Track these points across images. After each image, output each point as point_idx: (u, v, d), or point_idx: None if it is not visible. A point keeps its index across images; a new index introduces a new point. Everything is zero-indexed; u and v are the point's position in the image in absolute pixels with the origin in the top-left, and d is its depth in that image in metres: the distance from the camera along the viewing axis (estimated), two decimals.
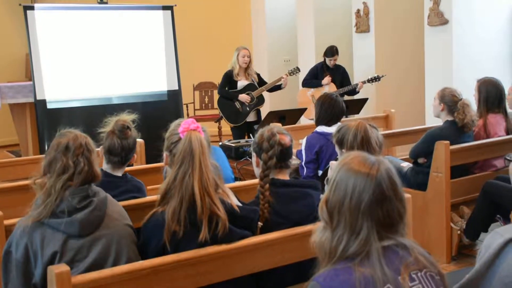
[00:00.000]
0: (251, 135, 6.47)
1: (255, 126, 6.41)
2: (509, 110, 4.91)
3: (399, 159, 4.99)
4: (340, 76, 7.27)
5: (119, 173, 3.05)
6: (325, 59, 7.30)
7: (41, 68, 7.08)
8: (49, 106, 7.09)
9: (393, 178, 1.67)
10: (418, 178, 4.50)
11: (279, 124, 5.09)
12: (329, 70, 7.27)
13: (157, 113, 7.38)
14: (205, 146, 2.42)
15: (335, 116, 4.23)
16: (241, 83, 6.74)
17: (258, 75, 6.92)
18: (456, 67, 6.40)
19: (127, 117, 3.09)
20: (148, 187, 3.27)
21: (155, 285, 2.20)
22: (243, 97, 6.67)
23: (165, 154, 2.61)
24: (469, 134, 4.55)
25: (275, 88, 6.93)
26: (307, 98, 7.27)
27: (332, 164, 3.12)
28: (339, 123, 4.06)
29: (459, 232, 4.40)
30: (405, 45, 7.71)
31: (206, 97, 9.73)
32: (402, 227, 1.68)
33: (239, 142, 5.51)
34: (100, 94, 7.44)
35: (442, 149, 4.26)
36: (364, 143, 3.04)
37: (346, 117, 5.98)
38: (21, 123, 7.52)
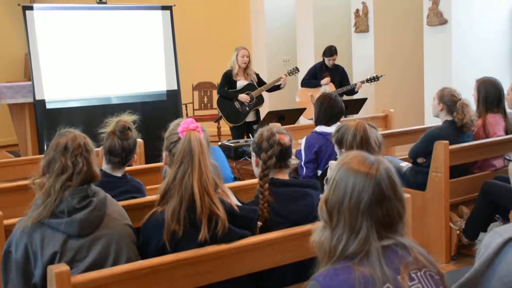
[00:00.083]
0: (250, 135, 6.47)
1: (254, 126, 6.41)
2: (508, 110, 4.91)
3: (398, 159, 5.00)
4: (339, 76, 7.28)
5: (118, 174, 3.05)
6: (324, 59, 7.30)
7: (40, 68, 7.07)
8: (48, 106, 7.08)
9: (392, 178, 1.67)
10: (417, 178, 4.50)
11: (278, 124, 5.09)
12: (328, 70, 7.28)
13: (156, 113, 7.37)
14: (205, 145, 2.42)
15: (334, 116, 4.24)
16: (241, 83, 6.74)
17: (257, 75, 6.92)
18: (455, 67, 6.41)
19: (128, 118, 3.09)
20: (148, 187, 3.27)
21: (155, 284, 2.20)
22: (243, 97, 6.67)
23: (164, 154, 2.61)
24: (468, 134, 4.56)
25: (274, 88, 6.94)
26: (307, 98, 7.27)
27: (332, 164, 3.12)
28: (338, 123, 4.06)
29: (458, 232, 4.40)
30: (404, 45, 7.72)
31: (205, 97, 9.73)
32: (401, 226, 1.68)
33: (238, 142, 5.51)
34: (99, 94, 7.44)
35: (441, 149, 4.26)
36: (364, 143, 3.05)
37: (345, 117, 5.99)
38: (20, 123, 7.52)
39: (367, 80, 6.89)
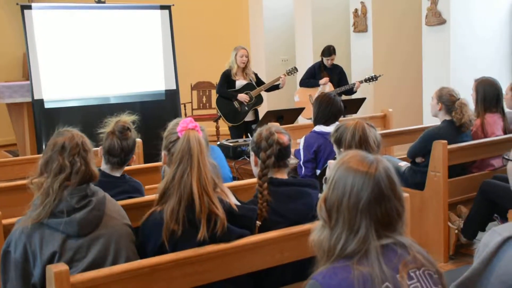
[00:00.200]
0: (249, 134, 6.47)
1: (253, 126, 6.42)
2: (506, 110, 4.92)
3: (397, 158, 5.00)
4: (338, 76, 7.29)
5: (117, 174, 3.04)
6: (322, 59, 7.31)
7: (38, 68, 7.06)
8: (46, 105, 7.07)
9: (391, 177, 1.67)
10: (416, 178, 4.50)
11: (277, 124, 5.09)
12: (327, 70, 7.29)
13: (155, 112, 7.37)
14: (203, 145, 2.42)
15: (333, 115, 4.24)
16: (239, 82, 6.75)
17: (256, 74, 6.93)
18: (453, 66, 6.41)
19: (127, 118, 3.09)
20: (146, 187, 3.27)
21: (154, 284, 2.20)
22: (242, 96, 6.67)
23: (163, 153, 2.61)
24: (467, 134, 4.56)
25: (273, 87, 6.94)
26: (307, 97, 7.28)
27: (330, 163, 3.12)
28: (337, 123, 4.07)
29: (456, 231, 4.41)
30: (402, 45, 7.72)
31: (204, 96, 9.73)
32: (400, 225, 1.68)
33: (237, 141, 5.51)
34: (97, 93, 7.43)
35: (439, 148, 4.26)
36: (362, 142, 3.05)
37: (344, 116, 5.99)
38: (19, 123, 7.51)
39: (366, 80, 6.90)
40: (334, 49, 7.23)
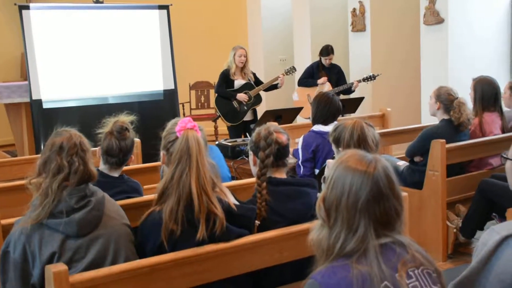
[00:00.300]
0: (247, 134, 6.47)
1: (252, 125, 6.42)
2: (504, 109, 4.92)
3: (395, 157, 5.01)
4: (336, 75, 7.29)
5: (115, 174, 3.04)
6: (320, 59, 7.31)
7: (36, 68, 7.06)
8: (44, 106, 7.07)
9: (390, 176, 1.67)
10: (414, 177, 4.51)
11: (276, 123, 5.10)
12: (325, 69, 7.29)
13: (153, 112, 7.37)
14: (202, 145, 2.42)
15: (332, 115, 4.24)
16: (238, 82, 6.75)
17: (254, 74, 6.93)
18: (451, 65, 6.42)
19: (126, 118, 3.09)
20: (145, 187, 3.27)
21: (153, 284, 2.20)
22: (241, 96, 6.68)
23: (162, 153, 2.62)
24: (465, 133, 4.56)
25: (272, 87, 6.94)
26: (305, 97, 7.28)
27: (329, 162, 3.12)
28: (335, 122, 4.07)
29: (455, 230, 4.42)
30: (401, 44, 7.72)
31: (202, 96, 9.72)
32: (399, 224, 1.68)
33: (235, 141, 5.51)
34: (96, 93, 7.43)
35: (438, 147, 4.27)
36: (361, 142, 3.05)
37: (342, 116, 6.00)
38: (17, 123, 7.50)
39: (364, 79, 6.90)
40: (332, 49, 7.23)
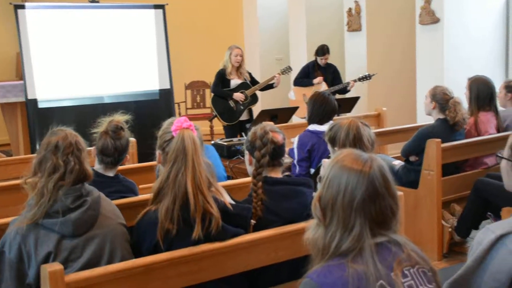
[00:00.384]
0: (243, 133, 6.47)
1: (248, 125, 6.42)
2: (500, 108, 4.93)
3: (391, 157, 5.01)
4: (332, 75, 7.30)
5: (111, 174, 3.04)
6: (316, 58, 7.32)
7: (32, 67, 7.04)
8: (40, 105, 7.05)
9: (386, 175, 1.68)
10: (409, 176, 4.51)
11: (272, 123, 5.10)
12: (321, 69, 7.30)
13: (149, 112, 7.36)
14: (198, 144, 2.42)
15: (327, 114, 4.25)
16: (234, 82, 6.75)
17: (250, 74, 6.93)
18: (447, 65, 6.43)
19: (121, 118, 3.09)
20: (141, 186, 3.26)
21: (149, 283, 2.20)
22: (238, 95, 6.67)
23: (158, 152, 2.61)
24: (461, 132, 4.57)
25: (267, 87, 6.94)
26: (301, 96, 7.29)
27: (325, 162, 3.13)
28: (331, 121, 4.07)
29: (450, 229, 4.42)
30: (396, 44, 7.73)
31: (198, 96, 9.72)
32: (394, 223, 1.69)
33: (231, 140, 5.51)
34: (91, 93, 7.41)
35: (433, 147, 4.28)
36: (356, 141, 3.05)
37: (338, 115, 6.00)
38: (12, 123, 7.48)
39: (360, 79, 6.91)
40: (328, 49, 7.24)
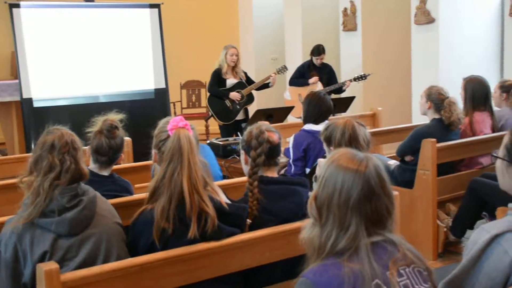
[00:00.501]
0: (239, 133, 6.48)
1: (243, 125, 6.42)
2: (495, 108, 4.95)
3: (386, 157, 5.02)
4: (327, 75, 7.30)
5: (105, 173, 3.04)
6: (312, 58, 7.33)
7: (27, 66, 7.03)
8: (35, 104, 7.04)
9: (381, 175, 1.68)
10: (405, 176, 4.52)
11: (267, 122, 5.10)
12: (316, 68, 7.30)
13: (144, 111, 7.36)
14: (194, 143, 2.42)
15: (323, 114, 4.25)
16: (230, 81, 6.75)
17: (245, 73, 6.93)
18: (442, 65, 6.45)
19: (115, 117, 3.08)
20: (136, 185, 3.26)
21: (144, 282, 2.20)
22: (234, 95, 6.68)
23: (153, 152, 2.61)
24: (456, 132, 4.58)
25: (263, 86, 6.95)
26: (296, 96, 7.29)
27: (320, 161, 3.13)
28: (326, 121, 4.08)
29: (445, 229, 4.43)
30: (392, 44, 7.75)
31: (193, 95, 9.71)
32: (390, 223, 1.69)
33: (227, 140, 5.51)
34: (86, 92, 7.41)
35: (428, 147, 4.28)
36: (352, 141, 3.05)
37: (333, 115, 6.01)
38: (7, 122, 7.47)
39: (355, 79, 6.91)
40: (323, 49, 7.24)
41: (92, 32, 7.45)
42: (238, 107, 6.72)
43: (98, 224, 2.33)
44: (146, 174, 3.70)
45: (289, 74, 7.52)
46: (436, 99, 4.47)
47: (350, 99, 6.69)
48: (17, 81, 7.13)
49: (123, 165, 3.74)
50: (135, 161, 4.44)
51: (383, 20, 7.72)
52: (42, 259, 2.20)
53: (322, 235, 1.66)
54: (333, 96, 7.00)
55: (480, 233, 1.89)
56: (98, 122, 3.04)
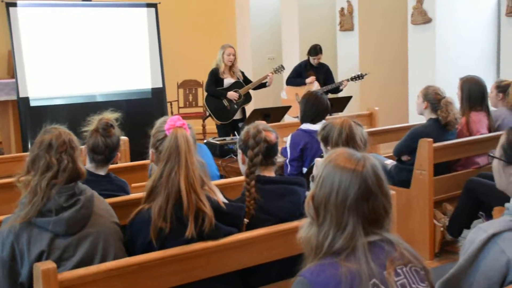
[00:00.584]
0: (236, 132, 6.48)
1: (240, 124, 6.42)
2: (491, 108, 4.95)
3: (383, 156, 5.02)
4: (324, 75, 7.31)
5: (102, 172, 3.03)
6: (309, 58, 7.33)
7: (24, 66, 7.03)
8: (32, 103, 7.04)
9: (378, 174, 1.68)
10: (401, 176, 4.53)
11: (264, 122, 5.10)
12: (313, 68, 7.30)
13: (141, 111, 7.37)
14: (191, 143, 2.42)
15: (320, 113, 4.25)
16: (228, 81, 6.75)
17: (243, 73, 6.93)
18: (439, 65, 6.45)
19: (111, 116, 3.08)
20: (133, 185, 3.26)
21: (142, 281, 2.19)
22: (232, 94, 6.67)
23: (151, 151, 2.61)
24: (452, 132, 4.59)
25: (260, 86, 6.95)
26: (293, 96, 7.29)
27: (317, 161, 3.14)
28: (323, 121, 4.08)
29: (442, 229, 4.44)
30: (389, 44, 7.75)
31: (190, 95, 9.70)
32: (387, 222, 1.69)
33: (224, 139, 5.51)
34: (83, 91, 7.40)
35: (425, 146, 4.29)
36: (349, 141, 3.06)
37: (330, 115, 6.01)
38: (4, 121, 7.46)
39: (352, 78, 6.91)
40: (320, 48, 7.25)
41: (89, 31, 7.45)
42: (235, 106, 6.72)
43: (95, 224, 2.33)
44: (143, 174, 3.70)
45: (286, 73, 7.52)
46: (433, 99, 4.48)
47: (347, 98, 6.70)
48: (14, 80, 7.13)
49: (120, 165, 3.73)
50: (132, 160, 4.43)
51: (380, 20, 7.73)
52: (39, 258, 2.20)
53: (319, 235, 1.66)
54: (330, 96, 7.00)
55: (477, 233, 1.90)
56: (94, 121, 3.03)
